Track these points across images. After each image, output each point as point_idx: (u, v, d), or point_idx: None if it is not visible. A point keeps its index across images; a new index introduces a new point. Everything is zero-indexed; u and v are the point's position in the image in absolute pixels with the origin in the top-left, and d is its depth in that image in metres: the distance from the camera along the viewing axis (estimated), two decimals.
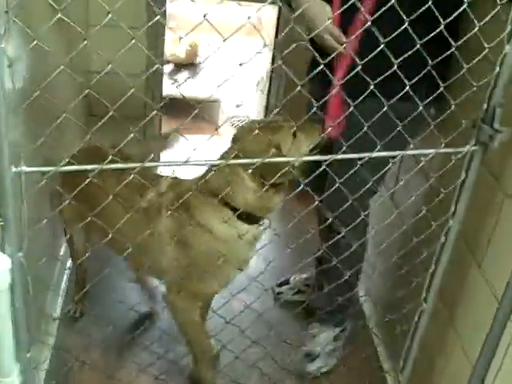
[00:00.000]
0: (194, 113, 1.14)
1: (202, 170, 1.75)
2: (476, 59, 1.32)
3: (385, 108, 1.37)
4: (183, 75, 4.40)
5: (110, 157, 1.12)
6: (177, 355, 2.05)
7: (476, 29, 1.27)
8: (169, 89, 3.72)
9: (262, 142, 1.62)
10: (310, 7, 1.66)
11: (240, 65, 1.09)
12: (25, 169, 1.06)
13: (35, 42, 1.01)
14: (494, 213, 1.54)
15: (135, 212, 1.60)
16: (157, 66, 1.13)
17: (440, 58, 1.34)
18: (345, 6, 1.21)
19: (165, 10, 2.86)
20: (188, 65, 4.51)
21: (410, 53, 1.28)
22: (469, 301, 1.69)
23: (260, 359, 1.87)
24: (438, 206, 1.58)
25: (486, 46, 1.30)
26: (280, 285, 2.59)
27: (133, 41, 1.08)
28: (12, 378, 1.28)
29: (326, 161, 1.31)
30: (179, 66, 4.48)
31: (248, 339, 1.78)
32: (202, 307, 1.95)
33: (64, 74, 1.57)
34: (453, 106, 1.39)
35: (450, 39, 1.30)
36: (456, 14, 1.25)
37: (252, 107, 3.53)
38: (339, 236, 1.66)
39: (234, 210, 1.68)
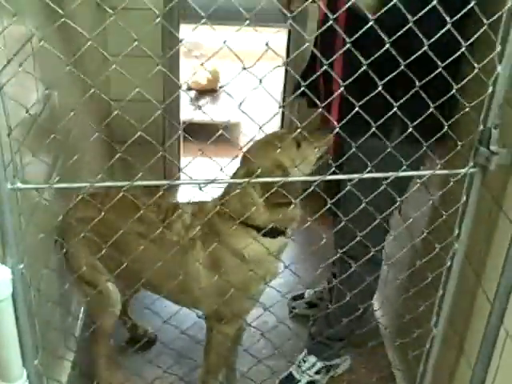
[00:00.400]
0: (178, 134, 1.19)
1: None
2: (466, 79, 1.32)
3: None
4: (205, 101, 4.56)
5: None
6: (183, 369, 2.11)
7: (463, 49, 1.28)
8: (190, 114, 3.85)
9: (266, 161, 1.67)
10: None
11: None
12: (20, 185, 1.14)
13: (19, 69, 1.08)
14: (496, 237, 1.52)
15: (167, 247, 1.70)
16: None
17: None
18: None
19: (178, 39, 2.96)
20: (209, 91, 4.65)
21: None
22: (477, 328, 1.65)
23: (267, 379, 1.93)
24: (445, 227, 1.57)
25: (476, 66, 1.30)
26: (294, 298, 2.64)
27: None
28: (19, 383, 1.36)
29: (315, 181, 1.34)
30: (201, 93, 4.65)
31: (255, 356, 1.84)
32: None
33: (86, 103, 1.67)
34: (446, 127, 1.39)
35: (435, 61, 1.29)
36: (436, 36, 1.24)
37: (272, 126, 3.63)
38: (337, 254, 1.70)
39: (257, 228, 1.74)
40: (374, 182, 1.44)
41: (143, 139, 1.33)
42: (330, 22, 1.16)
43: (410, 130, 1.39)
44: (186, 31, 3.08)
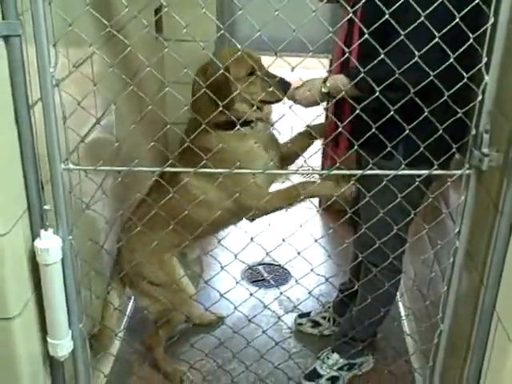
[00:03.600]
0: None
1: None
2: (455, 88, 1.49)
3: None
4: None
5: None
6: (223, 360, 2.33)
7: (450, 60, 1.45)
8: None
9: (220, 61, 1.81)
10: None
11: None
12: (71, 166, 1.41)
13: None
14: (494, 234, 1.63)
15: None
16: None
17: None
18: None
19: None
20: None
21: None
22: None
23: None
24: None
25: (464, 75, 1.48)
26: (301, 316, 2.73)
27: None
28: (65, 341, 1.59)
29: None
30: None
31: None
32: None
33: (145, 126, 1.95)
34: (441, 131, 1.56)
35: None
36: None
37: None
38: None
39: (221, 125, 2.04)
40: (388, 196, 1.69)
41: None
42: None
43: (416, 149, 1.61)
44: None
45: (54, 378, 1.68)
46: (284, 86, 2.05)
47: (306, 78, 1.98)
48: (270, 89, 1.97)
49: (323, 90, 1.92)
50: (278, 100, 2.07)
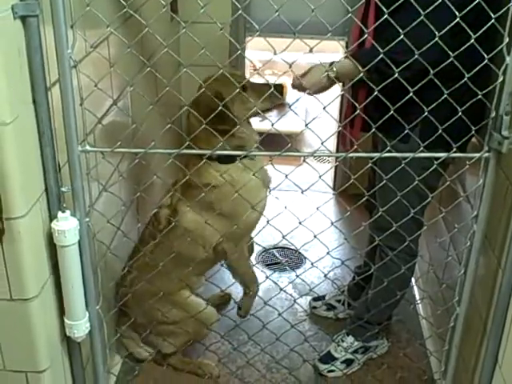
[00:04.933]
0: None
1: None
2: (476, 69, 1.47)
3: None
4: (273, 113, 4.80)
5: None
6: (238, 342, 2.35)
7: (471, 41, 1.42)
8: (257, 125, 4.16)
9: (209, 90, 1.74)
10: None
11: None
12: (88, 148, 1.41)
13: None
14: None
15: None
16: None
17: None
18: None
19: (244, 49, 3.19)
20: (277, 105, 4.90)
21: None
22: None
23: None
24: None
25: (485, 56, 1.45)
26: (316, 299, 2.72)
27: None
28: (81, 322, 1.60)
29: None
30: None
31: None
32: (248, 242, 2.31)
33: (160, 108, 1.93)
34: (460, 113, 1.54)
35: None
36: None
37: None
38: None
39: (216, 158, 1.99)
40: (405, 179, 1.68)
41: None
42: None
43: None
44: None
45: (72, 359, 1.70)
46: (276, 88, 1.93)
47: (312, 63, 1.94)
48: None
49: (331, 74, 1.89)
50: (278, 102, 2.08)
